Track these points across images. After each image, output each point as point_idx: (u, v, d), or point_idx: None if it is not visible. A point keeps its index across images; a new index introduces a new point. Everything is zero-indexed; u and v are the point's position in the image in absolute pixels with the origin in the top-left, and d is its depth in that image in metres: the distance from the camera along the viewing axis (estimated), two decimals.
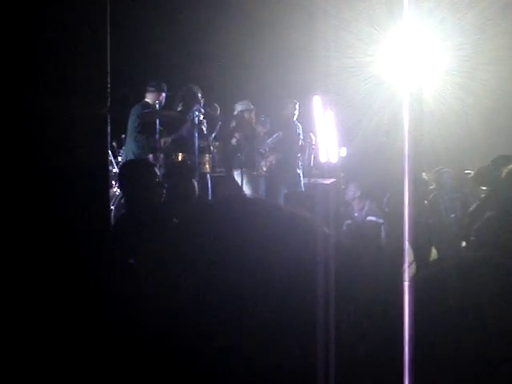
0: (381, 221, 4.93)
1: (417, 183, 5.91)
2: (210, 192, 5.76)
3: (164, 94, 6.22)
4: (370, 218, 5.01)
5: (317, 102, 6.91)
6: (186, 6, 7.29)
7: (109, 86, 2.91)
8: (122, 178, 3.79)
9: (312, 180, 6.88)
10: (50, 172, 2.63)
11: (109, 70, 2.89)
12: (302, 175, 6.62)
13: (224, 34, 7.37)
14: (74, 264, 2.46)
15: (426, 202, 5.95)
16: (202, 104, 5.91)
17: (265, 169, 6.19)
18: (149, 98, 6.21)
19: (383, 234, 4.85)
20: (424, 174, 7.36)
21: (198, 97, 5.90)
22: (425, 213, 5.51)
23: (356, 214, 5.32)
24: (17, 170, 2.53)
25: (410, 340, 1.22)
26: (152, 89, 6.20)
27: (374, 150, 6.56)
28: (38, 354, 1.99)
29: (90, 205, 2.68)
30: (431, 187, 6.59)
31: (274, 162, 6.22)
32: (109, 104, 3.09)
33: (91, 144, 2.76)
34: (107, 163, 2.82)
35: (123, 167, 4.34)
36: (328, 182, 7.12)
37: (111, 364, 0.86)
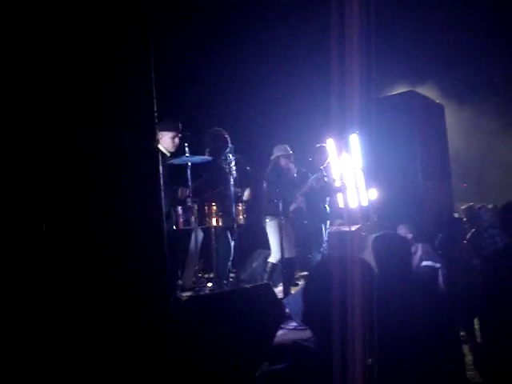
0: (438, 265, 4.48)
1: (454, 222, 5.60)
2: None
3: (179, 135, 4.66)
4: (425, 262, 4.57)
5: (330, 144, 6.37)
6: (218, 47, 7.03)
7: (156, 117, 2.71)
8: None
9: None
10: (101, 207, 2.42)
11: (155, 100, 2.71)
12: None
13: (241, 76, 7.22)
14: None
15: (464, 241, 5.63)
16: (231, 149, 4.77)
17: (291, 212, 5.81)
18: (163, 143, 4.57)
19: (441, 279, 4.39)
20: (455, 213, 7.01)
21: (227, 141, 4.97)
22: (467, 252, 5.15)
23: None
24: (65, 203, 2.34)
25: None
26: (165, 130, 4.53)
27: (410, 190, 6.29)
28: None
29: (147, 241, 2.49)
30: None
31: (301, 205, 5.89)
32: (158, 137, 2.88)
33: (142, 178, 2.55)
34: (161, 196, 2.59)
35: None
36: (353, 228, 6.80)
37: None
